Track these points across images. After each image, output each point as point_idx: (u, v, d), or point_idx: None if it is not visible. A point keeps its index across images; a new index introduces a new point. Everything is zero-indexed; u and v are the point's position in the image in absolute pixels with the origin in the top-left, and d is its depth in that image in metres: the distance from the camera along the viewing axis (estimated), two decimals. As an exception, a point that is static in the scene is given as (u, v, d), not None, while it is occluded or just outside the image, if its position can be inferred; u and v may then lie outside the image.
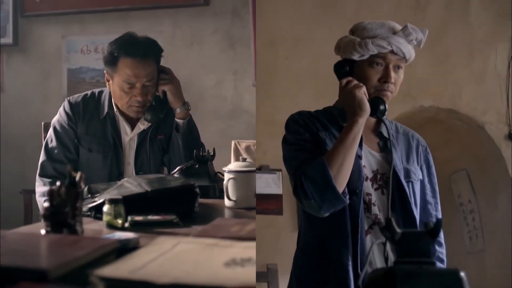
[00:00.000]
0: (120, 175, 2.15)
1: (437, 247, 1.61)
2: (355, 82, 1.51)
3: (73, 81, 3.87)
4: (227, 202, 1.68)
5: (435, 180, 1.68)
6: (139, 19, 3.82)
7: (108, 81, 2.18)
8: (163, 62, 3.75)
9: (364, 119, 1.47)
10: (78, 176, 1.14)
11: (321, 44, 3.46)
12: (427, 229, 0.89)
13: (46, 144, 2.22)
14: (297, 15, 3.56)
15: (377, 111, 1.51)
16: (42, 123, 2.47)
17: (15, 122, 3.88)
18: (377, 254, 1.47)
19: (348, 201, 1.43)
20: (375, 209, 1.50)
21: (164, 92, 2.24)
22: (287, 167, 1.53)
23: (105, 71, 2.19)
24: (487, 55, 3.58)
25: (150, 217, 1.39)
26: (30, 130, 3.57)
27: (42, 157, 2.20)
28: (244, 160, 1.71)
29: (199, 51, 3.77)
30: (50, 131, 2.24)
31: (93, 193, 1.67)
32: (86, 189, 1.71)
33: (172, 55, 3.78)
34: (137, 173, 2.20)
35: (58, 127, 2.22)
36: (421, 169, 1.64)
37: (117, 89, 2.14)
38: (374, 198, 1.51)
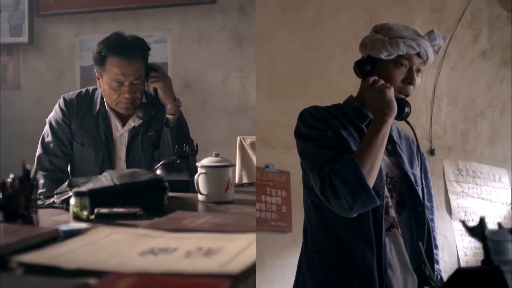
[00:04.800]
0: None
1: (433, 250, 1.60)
2: (382, 81, 1.50)
3: (86, 78, 3.98)
4: (199, 196, 1.73)
5: (431, 184, 1.69)
6: (149, 17, 3.91)
7: (99, 79, 2.27)
8: (172, 59, 3.86)
9: (392, 120, 1.47)
10: (33, 169, 1.21)
11: (279, 44, 3.52)
12: (500, 228, 0.89)
13: (43, 138, 2.33)
14: (258, 12, 3.65)
15: (402, 113, 1.51)
16: (46, 119, 2.57)
17: (31, 118, 4.01)
18: (395, 256, 1.47)
19: (379, 202, 1.41)
20: (392, 212, 1.50)
21: (156, 89, 2.30)
22: (307, 163, 1.50)
23: (95, 70, 2.27)
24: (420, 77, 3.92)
25: (115, 210, 1.45)
26: (45, 126, 3.71)
27: (38, 150, 2.31)
28: (217, 155, 1.75)
29: (206, 48, 3.83)
30: (46, 127, 2.34)
31: (72, 187, 1.73)
32: (67, 183, 1.79)
33: (180, 53, 3.88)
34: (128, 168, 2.28)
35: (53, 123, 2.32)
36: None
37: (106, 87, 2.22)
38: (389, 201, 1.51)
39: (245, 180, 3.32)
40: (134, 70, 2.19)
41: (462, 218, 3.89)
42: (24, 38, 4.04)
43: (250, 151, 3.53)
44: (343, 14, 3.60)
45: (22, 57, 4.12)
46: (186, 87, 3.88)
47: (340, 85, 3.37)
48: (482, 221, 0.87)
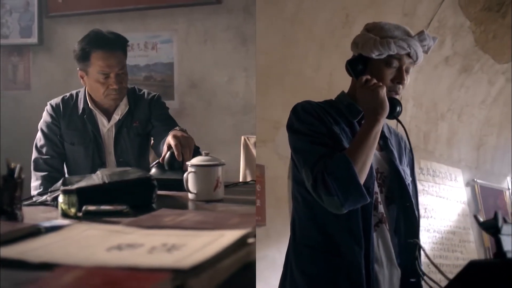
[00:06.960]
0: (103, 165, 2.32)
1: None
2: (375, 81, 1.52)
3: (94, 78, 4.05)
4: (189, 195, 1.76)
5: (416, 181, 1.71)
6: (155, 18, 3.96)
7: (82, 77, 2.33)
8: (178, 59, 3.89)
9: (384, 119, 1.49)
10: (17, 168, 1.25)
11: (258, 38, 3.54)
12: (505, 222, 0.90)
13: (36, 144, 2.40)
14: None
15: (394, 112, 1.54)
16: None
17: (41, 118, 4.09)
18: (382, 251, 1.49)
19: (369, 199, 1.42)
20: (381, 207, 1.52)
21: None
22: (300, 158, 1.51)
23: (78, 69, 2.33)
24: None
25: (102, 207, 1.49)
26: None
27: (33, 155, 2.38)
28: (206, 154, 1.78)
29: (212, 48, 3.87)
30: (38, 134, 2.42)
31: (66, 185, 1.78)
32: (61, 181, 1.84)
33: (186, 52, 3.92)
34: (117, 160, 2.37)
35: (44, 128, 2.40)
36: None
37: (93, 82, 2.29)
38: (379, 196, 1.53)
39: (249, 179, 3.35)
40: (117, 61, 2.27)
41: (422, 215, 4.04)
42: (34, 39, 4.12)
43: (254, 150, 3.56)
44: (321, 12, 3.64)
45: (32, 57, 4.21)
46: (192, 87, 3.93)
47: (315, 81, 3.38)
48: (496, 215, 0.88)
